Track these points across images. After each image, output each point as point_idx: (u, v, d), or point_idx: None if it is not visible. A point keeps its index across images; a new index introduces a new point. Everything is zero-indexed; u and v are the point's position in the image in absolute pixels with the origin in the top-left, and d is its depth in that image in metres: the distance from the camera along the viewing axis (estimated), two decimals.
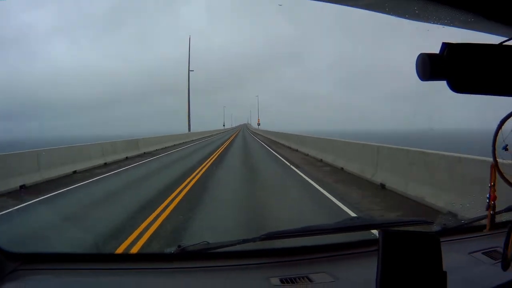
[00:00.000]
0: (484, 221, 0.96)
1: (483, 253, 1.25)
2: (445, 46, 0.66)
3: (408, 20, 0.90)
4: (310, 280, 1.16)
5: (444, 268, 0.83)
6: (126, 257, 1.66)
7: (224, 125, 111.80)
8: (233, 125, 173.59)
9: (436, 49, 0.67)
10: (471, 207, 4.39)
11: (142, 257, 1.48)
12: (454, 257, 1.23)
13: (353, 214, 5.12)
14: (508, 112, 0.75)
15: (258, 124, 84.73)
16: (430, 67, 0.66)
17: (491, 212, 0.81)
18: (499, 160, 0.78)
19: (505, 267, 0.79)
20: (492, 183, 0.79)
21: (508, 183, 0.75)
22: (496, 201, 0.82)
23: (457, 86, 0.66)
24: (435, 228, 1.46)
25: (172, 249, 1.28)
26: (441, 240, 1.11)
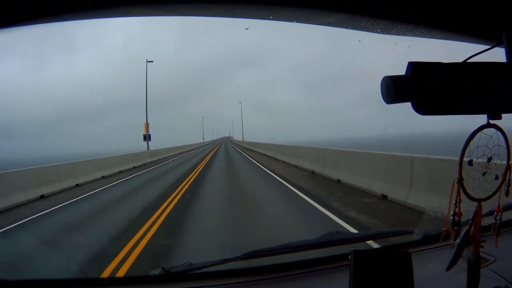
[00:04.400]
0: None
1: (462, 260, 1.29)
2: (411, 66, 0.66)
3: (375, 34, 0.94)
4: None
5: (422, 277, 0.86)
6: (111, 281, 1.66)
7: (204, 139, 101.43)
8: (214, 138, 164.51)
9: (406, 56, 0.69)
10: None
11: (127, 280, 1.48)
12: (436, 265, 1.25)
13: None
14: (476, 127, 0.73)
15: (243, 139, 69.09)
16: (394, 89, 0.66)
17: (456, 228, 0.78)
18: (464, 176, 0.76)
19: (448, 268, 0.84)
20: (459, 200, 0.75)
21: (470, 198, 0.75)
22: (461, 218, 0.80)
23: (422, 108, 0.66)
24: (415, 237, 1.49)
25: (156, 271, 1.30)
26: (422, 248, 1.39)
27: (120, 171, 16.63)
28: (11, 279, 1.31)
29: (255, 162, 19.49)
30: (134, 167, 19.40)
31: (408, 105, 0.67)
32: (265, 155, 24.20)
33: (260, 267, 1.36)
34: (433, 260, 1.30)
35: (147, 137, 28.45)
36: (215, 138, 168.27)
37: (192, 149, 49.77)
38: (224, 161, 22.04)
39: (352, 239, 1.44)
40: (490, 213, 0.82)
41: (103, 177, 14.37)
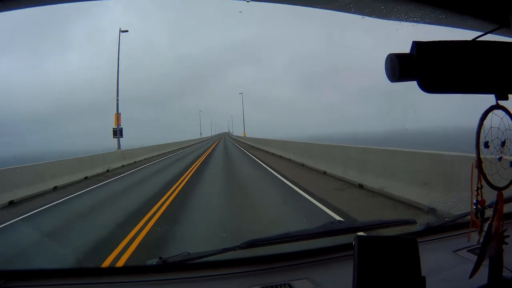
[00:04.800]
0: (468, 218, 0.88)
1: (468, 250, 1.24)
2: (415, 45, 0.65)
3: (376, 19, 0.91)
4: (291, 287, 1.16)
5: (427, 268, 0.83)
6: (109, 271, 1.59)
7: (201, 134, 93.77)
8: (213, 133, 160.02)
9: (407, 46, 0.66)
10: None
11: (124, 270, 1.43)
12: (439, 256, 1.27)
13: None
14: (486, 108, 0.71)
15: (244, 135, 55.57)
16: (399, 67, 0.65)
17: (480, 219, 0.73)
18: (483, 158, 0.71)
19: (471, 275, 0.78)
20: (480, 185, 0.71)
21: (489, 185, 0.71)
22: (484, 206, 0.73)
23: (428, 86, 0.65)
24: (418, 227, 1.47)
25: (153, 261, 1.28)
26: (425, 239, 1.37)
27: (55, 188, 9.82)
28: (8, 269, 1.31)
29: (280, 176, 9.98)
30: (86, 177, 12.13)
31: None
32: (283, 157, 15.78)
33: (259, 257, 1.34)
34: (437, 250, 1.32)
35: (117, 133, 19.56)
36: (213, 133, 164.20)
37: (183, 148, 38.75)
38: (222, 170, 13.10)
39: (353, 228, 1.42)
40: (509, 200, 0.76)
41: (11, 202, 7.86)
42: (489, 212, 0.74)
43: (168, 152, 29.82)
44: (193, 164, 15.67)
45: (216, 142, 53.97)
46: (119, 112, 20.29)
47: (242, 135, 54.50)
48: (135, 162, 19.12)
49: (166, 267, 1.27)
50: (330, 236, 1.37)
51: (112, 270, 1.69)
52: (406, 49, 0.67)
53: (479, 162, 0.70)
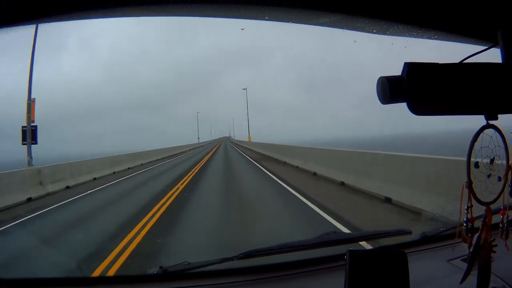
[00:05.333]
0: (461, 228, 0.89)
1: (462, 259, 1.25)
2: (406, 66, 0.66)
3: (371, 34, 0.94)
4: None
5: (421, 277, 0.87)
6: (108, 280, 1.63)
7: (199, 139, 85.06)
8: (213, 138, 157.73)
9: (405, 55, 0.72)
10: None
11: (124, 279, 1.44)
12: (432, 265, 1.30)
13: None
14: (477, 128, 0.73)
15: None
16: (390, 90, 0.66)
17: (469, 235, 0.76)
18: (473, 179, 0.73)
19: (462, 280, 0.80)
20: (470, 205, 0.74)
21: (479, 202, 0.74)
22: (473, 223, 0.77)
23: (418, 109, 0.67)
24: (413, 237, 1.49)
25: (154, 270, 1.29)
26: (420, 248, 1.41)
27: None
28: (6, 277, 1.30)
29: None
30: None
31: (403, 106, 0.66)
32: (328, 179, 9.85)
33: (257, 267, 1.36)
34: (431, 260, 1.34)
35: (28, 135, 11.76)
36: (213, 138, 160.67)
37: (164, 159, 26.76)
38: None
39: (349, 239, 1.44)
40: (496, 211, 0.78)
41: None
42: (477, 223, 0.78)
43: (136, 167, 19.16)
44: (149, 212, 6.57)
45: (215, 148, 46.46)
46: (33, 98, 12.00)
47: (247, 140, 45.15)
48: (57, 191, 10.38)
49: (167, 276, 1.29)
50: (326, 247, 1.39)
51: (111, 279, 1.71)
52: (400, 59, 0.69)
53: (469, 183, 0.72)
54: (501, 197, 0.75)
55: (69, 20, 0.85)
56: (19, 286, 1.28)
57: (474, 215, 0.75)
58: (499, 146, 0.72)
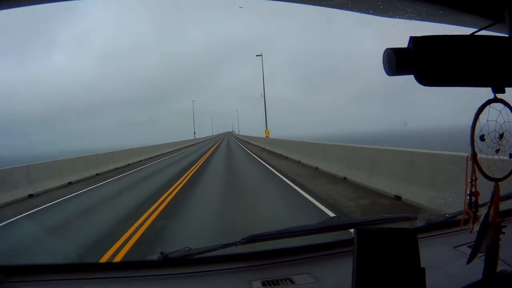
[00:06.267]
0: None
1: (468, 246, 1.22)
2: (412, 39, 0.66)
3: (373, 16, 0.93)
4: (292, 281, 1.16)
5: (427, 263, 0.83)
6: (110, 266, 1.62)
7: (194, 134, 71.01)
8: (214, 133, 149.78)
9: (404, 43, 0.67)
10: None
11: (126, 265, 1.44)
12: (439, 252, 1.27)
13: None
14: (482, 103, 0.71)
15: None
16: (396, 61, 0.65)
17: (473, 210, 0.74)
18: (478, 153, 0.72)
19: (469, 261, 0.78)
20: (474, 177, 0.72)
21: (485, 176, 0.71)
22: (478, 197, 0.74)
23: (425, 79, 0.66)
24: (418, 224, 1.48)
25: (155, 256, 1.28)
26: (426, 235, 1.39)
27: None
28: (7, 264, 1.30)
29: None
30: None
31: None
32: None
33: (260, 252, 1.35)
34: (437, 246, 1.32)
35: None
36: (215, 133, 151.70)
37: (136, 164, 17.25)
38: None
39: (353, 224, 1.41)
40: (508, 197, 0.77)
41: None
42: (484, 210, 0.75)
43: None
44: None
45: (216, 145, 37.05)
46: None
47: (251, 135, 34.64)
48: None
49: (168, 262, 1.28)
50: (329, 232, 1.37)
51: (113, 265, 1.70)
52: (403, 44, 0.67)
53: (473, 155, 0.71)
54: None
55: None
56: (27, 272, 1.28)
57: (480, 191, 0.73)
58: (509, 121, 0.70)
